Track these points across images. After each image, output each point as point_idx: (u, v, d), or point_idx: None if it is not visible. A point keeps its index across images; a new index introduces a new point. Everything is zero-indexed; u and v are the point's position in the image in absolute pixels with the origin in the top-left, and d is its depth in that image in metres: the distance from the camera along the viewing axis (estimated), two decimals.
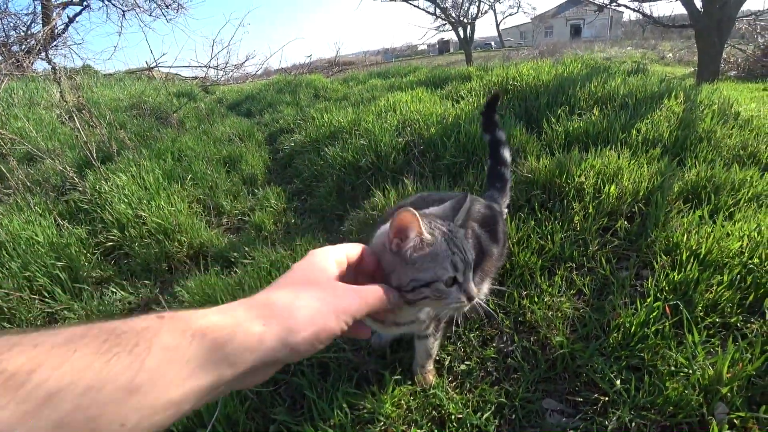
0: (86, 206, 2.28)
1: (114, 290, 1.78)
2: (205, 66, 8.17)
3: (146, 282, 1.82)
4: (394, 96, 3.40)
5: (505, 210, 1.41)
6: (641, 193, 1.62)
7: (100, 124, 2.97)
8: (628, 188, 1.63)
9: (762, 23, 10.27)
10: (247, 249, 1.74)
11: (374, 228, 0.86)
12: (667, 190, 1.66)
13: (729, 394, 0.92)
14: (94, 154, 2.41)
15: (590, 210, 1.53)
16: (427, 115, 2.54)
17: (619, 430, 0.94)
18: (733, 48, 9.40)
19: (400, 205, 1.06)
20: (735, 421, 0.89)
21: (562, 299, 1.24)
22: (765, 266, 1.21)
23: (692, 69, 7.77)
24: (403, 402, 1.03)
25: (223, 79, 8.59)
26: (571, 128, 2.29)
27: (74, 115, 2.74)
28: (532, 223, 1.50)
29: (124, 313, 1.71)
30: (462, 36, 13.14)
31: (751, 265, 1.22)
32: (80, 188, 2.43)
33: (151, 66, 8.34)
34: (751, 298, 1.14)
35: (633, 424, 0.93)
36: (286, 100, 4.77)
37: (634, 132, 2.19)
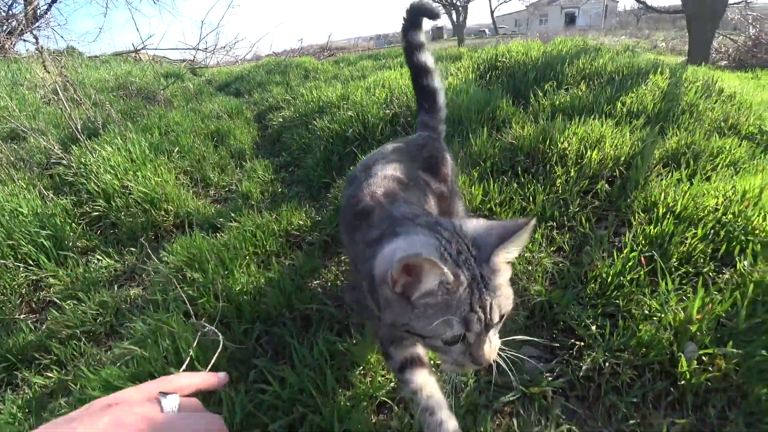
0: (71, 179, 2.26)
1: (100, 257, 1.78)
2: (194, 48, 8.01)
3: (132, 249, 1.82)
4: (384, 73, 3.38)
5: (443, 128, 1.24)
6: (622, 158, 1.65)
7: (86, 101, 2.91)
8: (609, 154, 1.66)
9: (753, 13, 10.29)
10: (233, 215, 1.74)
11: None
12: (648, 156, 1.68)
13: (698, 334, 0.96)
14: (80, 128, 2.37)
15: (572, 174, 1.55)
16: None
17: (593, 370, 0.97)
18: (725, 38, 9.43)
19: (364, 163, 0.98)
20: (704, 357, 0.93)
21: (542, 255, 1.26)
22: (738, 222, 1.25)
23: (684, 58, 7.79)
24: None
25: (212, 62, 8.45)
26: (557, 102, 2.31)
27: (59, 91, 2.68)
28: (515, 186, 1.52)
29: (109, 279, 1.71)
30: (455, 20, 12.99)
31: (725, 220, 1.25)
32: (65, 162, 2.40)
33: (138, 48, 8.16)
34: (722, 249, 1.17)
35: (606, 364, 0.96)
36: (276, 80, 4.72)
37: (619, 104, 2.22)
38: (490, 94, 2.30)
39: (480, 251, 0.57)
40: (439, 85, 1.20)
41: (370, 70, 4.27)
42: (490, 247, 0.57)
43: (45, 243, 1.82)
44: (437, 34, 36.14)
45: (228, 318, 1.18)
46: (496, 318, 0.56)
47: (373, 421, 0.89)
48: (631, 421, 0.88)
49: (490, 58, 3.15)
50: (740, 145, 1.83)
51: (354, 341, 1.05)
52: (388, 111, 2.25)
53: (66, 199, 2.09)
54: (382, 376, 0.97)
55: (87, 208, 2.03)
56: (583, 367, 0.97)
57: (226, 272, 1.32)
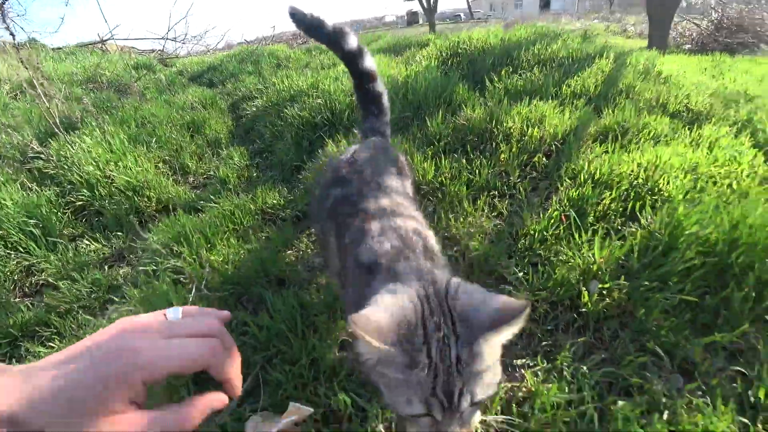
0: (52, 172, 2.34)
1: (88, 242, 1.90)
2: (163, 38, 7.88)
3: (119, 233, 1.95)
4: None
5: (389, 131, 1.25)
6: (560, 135, 1.87)
7: (58, 94, 2.95)
8: (548, 131, 1.88)
9: None
10: (213, 198, 1.89)
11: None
12: (583, 132, 1.91)
13: (599, 273, 1.19)
14: (58, 121, 2.45)
15: (514, 150, 1.76)
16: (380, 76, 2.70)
17: None
18: (689, 22, 9.81)
19: (333, 165, 1.00)
20: (603, 291, 1.16)
21: (483, 219, 1.48)
22: (647, 184, 1.48)
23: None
24: None
25: (182, 51, 8.32)
26: (511, 86, 2.52)
27: (36, 86, 2.72)
28: (464, 162, 1.73)
29: (99, 261, 1.84)
30: (425, 5, 13.01)
31: (636, 184, 1.49)
32: (44, 156, 2.47)
33: (104, 39, 7.96)
34: (630, 206, 1.41)
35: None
36: (248, 69, 4.77)
37: (565, 87, 2.44)
38: (448, 80, 2.48)
39: (467, 331, 0.53)
40: (383, 89, 1.21)
41: None
42: (479, 330, 0.53)
43: (34, 231, 1.93)
44: (412, 19, 35.91)
45: (212, 284, 1.35)
46: (465, 405, 0.51)
47: (335, 353, 1.09)
48: (544, 343, 1.11)
49: (452, 45, 3.33)
50: (664, 121, 2.08)
51: (321, 296, 1.25)
52: (353, 98, 2.41)
53: (49, 190, 2.19)
54: (342, 319, 1.17)
55: (71, 198, 2.14)
56: None
57: (209, 245, 1.48)
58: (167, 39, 8.21)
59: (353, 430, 0.92)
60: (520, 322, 0.53)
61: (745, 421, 0.88)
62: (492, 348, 0.54)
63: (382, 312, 0.53)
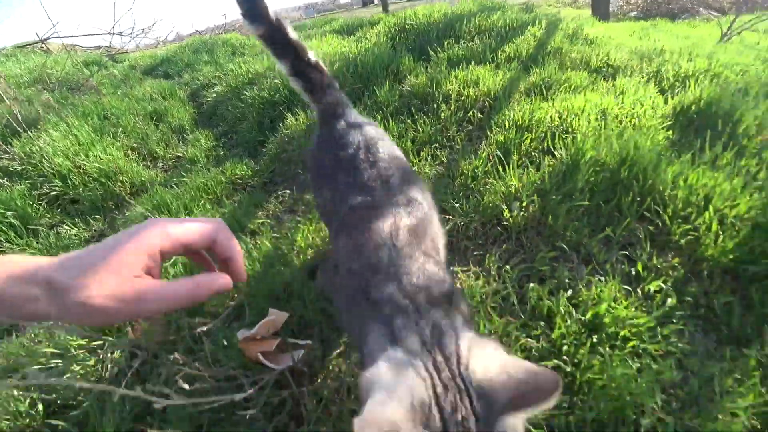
0: (19, 168, 2.41)
1: (68, 227, 2.02)
2: (109, 33, 7.60)
3: (96, 217, 2.07)
4: (307, 42, 3.66)
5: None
6: (492, 93, 2.13)
7: (18, 93, 2.96)
8: (483, 90, 2.13)
9: None
10: (185, 175, 2.05)
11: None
12: (513, 89, 2.18)
13: (519, 194, 1.45)
14: (20, 118, 2.49)
15: (453, 108, 2.01)
16: (332, 54, 2.88)
17: (454, 229, 1.45)
18: None
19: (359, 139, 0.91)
20: (522, 208, 1.43)
21: (426, 167, 1.72)
22: (562, 126, 1.76)
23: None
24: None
25: (131, 46, 8.07)
26: (452, 54, 2.75)
27: None
28: (409, 122, 1.96)
29: (80, 244, 1.97)
30: None
31: (553, 126, 1.76)
32: (9, 155, 2.52)
33: (44, 38, 7.61)
34: (546, 144, 1.68)
35: (462, 224, 1.44)
36: (204, 59, 4.79)
37: (500, 52, 2.70)
38: (395, 53, 2.69)
39: (486, 410, 0.47)
40: (324, 69, 1.10)
41: None
42: (499, 409, 0.47)
43: (13, 222, 2.03)
44: None
45: None
46: None
47: (305, 276, 1.31)
48: (476, 253, 1.37)
49: (400, 22, 3.52)
50: (583, 75, 2.37)
51: (290, 236, 1.46)
52: None
53: (20, 185, 2.27)
54: (313, 249, 1.39)
55: (45, 190, 2.23)
56: (448, 227, 1.45)
57: (188, 211, 1.66)
58: (113, 34, 7.92)
59: (324, 335, 1.15)
60: (550, 402, 0.46)
61: (628, 288, 1.17)
62: (516, 429, 0.47)
63: (394, 404, 0.46)
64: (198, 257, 0.51)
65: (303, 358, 1.03)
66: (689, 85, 2.21)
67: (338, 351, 1.11)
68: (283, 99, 2.47)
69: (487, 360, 0.52)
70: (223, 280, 0.46)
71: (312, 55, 1.06)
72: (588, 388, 0.94)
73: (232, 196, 1.85)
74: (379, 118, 2.03)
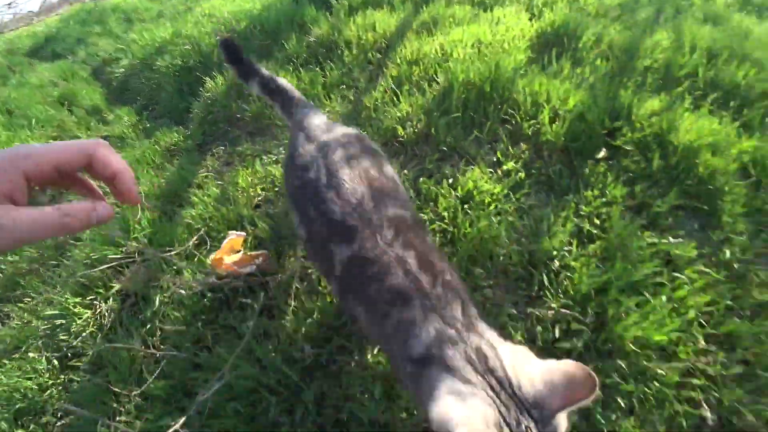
0: None
1: None
2: None
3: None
4: (209, 2, 3.61)
5: None
6: (389, 34, 2.41)
7: None
8: (380, 33, 2.41)
9: None
10: (119, 151, 2.18)
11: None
12: (406, 29, 2.47)
13: (409, 116, 1.81)
14: None
15: (354, 52, 2.28)
16: (237, 13, 2.95)
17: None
18: None
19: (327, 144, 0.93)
20: (413, 126, 1.80)
21: (335, 105, 2.02)
22: (443, 57, 2.12)
23: None
24: None
25: None
26: (353, 1, 2.94)
27: None
28: (318, 69, 2.22)
29: None
30: None
31: (436, 57, 2.12)
32: None
33: None
34: (430, 73, 2.04)
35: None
36: (95, 31, 4.48)
37: None
38: (298, 6, 2.83)
39: (541, 416, 0.57)
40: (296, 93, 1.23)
41: (194, 0, 4.32)
42: (552, 410, 0.58)
43: None
44: None
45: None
46: None
47: (252, 206, 1.62)
48: None
49: None
50: (466, 9, 2.70)
51: (231, 179, 1.74)
52: (218, 38, 2.68)
53: None
54: (253, 188, 1.70)
55: None
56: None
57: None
58: None
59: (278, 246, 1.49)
60: (591, 398, 0.57)
61: (492, 170, 1.60)
62: (563, 422, 0.59)
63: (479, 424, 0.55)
64: (81, 186, 0.45)
65: (263, 262, 1.37)
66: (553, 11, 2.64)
67: (289, 254, 1.46)
68: (197, 64, 2.57)
69: (530, 373, 0.61)
70: (102, 209, 0.41)
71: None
72: (463, 237, 1.38)
73: (171, 162, 2.05)
74: (291, 69, 2.25)
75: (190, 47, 2.67)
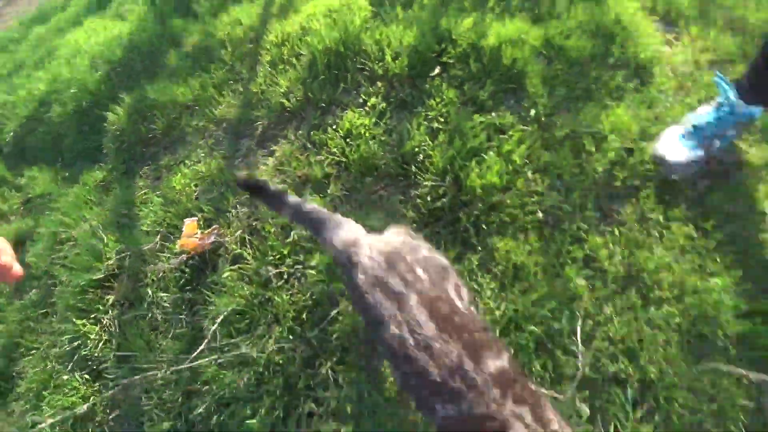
0: None
1: None
2: None
3: None
4: (66, 40, 3.62)
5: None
6: (254, 24, 2.72)
7: None
8: (247, 25, 2.71)
9: None
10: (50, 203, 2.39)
11: None
12: (269, 16, 2.79)
13: (290, 88, 2.22)
14: None
15: (230, 49, 2.60)
16: (109, 43, 3.08)
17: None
18: None
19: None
20: (295, 97, 2.20)
21: (225, 106, 2.37)
22: (302, 33, 2.49)
23: None
24: None
25: None
26: (213, 2, 3.16)
27: None
28: (206, 75, 2.52)
29: None
30: None
31: (299, 34, 2.49)
32: None
33: None
34: (296, 49, 2.42)
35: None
36: None
37: None
38: (164, 22, 3.02)
39: None
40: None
41: None
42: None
43: None
44: None
45: None
46: None
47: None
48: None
49: None
50: None
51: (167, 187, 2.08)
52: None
53: None
54: (190, 187, 2.05)
55: None
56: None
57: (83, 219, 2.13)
58: None
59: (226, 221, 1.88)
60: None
61: (361, 108, 2.06)
62: None
63: None
64: None
65: (217, 233, 1.77)
66: None
67: (236, 229, 1.86)
68: (90, 104, 2.74)
69: None
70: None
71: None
72: (353, 162, 1.85)
73: (107, 194, 2.31)
74: (179, 81, 2.53)
75: (77, 90, 2.81)
